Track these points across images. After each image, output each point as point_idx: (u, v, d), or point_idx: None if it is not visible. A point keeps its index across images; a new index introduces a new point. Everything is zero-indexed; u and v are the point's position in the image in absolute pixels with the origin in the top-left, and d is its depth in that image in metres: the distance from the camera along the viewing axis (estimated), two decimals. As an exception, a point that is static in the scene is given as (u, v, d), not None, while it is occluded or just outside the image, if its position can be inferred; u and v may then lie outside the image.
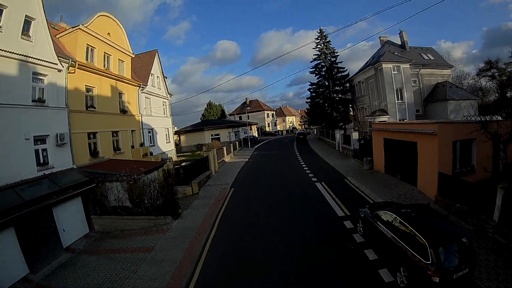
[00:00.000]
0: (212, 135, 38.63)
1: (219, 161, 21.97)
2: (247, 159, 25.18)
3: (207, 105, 66.45)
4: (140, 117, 20.82)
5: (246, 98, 72.89)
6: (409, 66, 26.54)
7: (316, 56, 35.40)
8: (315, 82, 36.66)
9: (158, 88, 24.94)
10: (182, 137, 39.52)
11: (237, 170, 20.55)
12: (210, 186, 16.59)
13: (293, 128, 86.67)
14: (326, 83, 35.68)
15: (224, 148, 25.03)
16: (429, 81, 27.86)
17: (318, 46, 35.05)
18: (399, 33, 30.67)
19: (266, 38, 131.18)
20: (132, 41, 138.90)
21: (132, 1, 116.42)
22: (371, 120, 25.16)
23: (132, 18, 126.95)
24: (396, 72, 26.12)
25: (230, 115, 66.51)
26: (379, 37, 31.72)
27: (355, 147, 19.99)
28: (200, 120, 56.95)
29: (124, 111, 18.85)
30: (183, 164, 17.70)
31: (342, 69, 35.10)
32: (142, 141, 20.77)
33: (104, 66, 16.68)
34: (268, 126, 71.35)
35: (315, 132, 64.57)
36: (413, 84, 26.99)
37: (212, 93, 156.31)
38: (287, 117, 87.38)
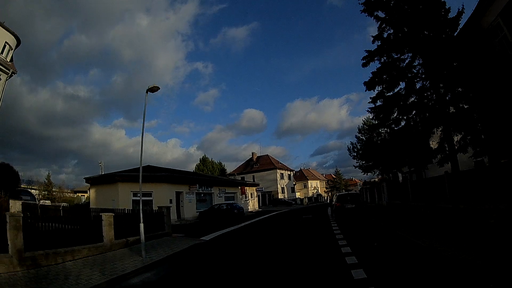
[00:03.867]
0: (135, 193, 18.68)
1: None
2: None
3: (200, 160, 50.06)
4: None
5: (252, 153, 55.72)
6: None
7: None
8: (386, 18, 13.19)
9: None
10: (92, 191, 21.06)
11: None
12: None
13: (317, 195, 65.44)
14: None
15: None
16: None
17: None
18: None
19: (292, 107, 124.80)
20: (162, 103, 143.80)
21: (165, 65, 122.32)
22: None
23: (164, 81, 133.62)
24: None
25: (230, 174, 48.71)
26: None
27: None
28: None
29: None
30: None
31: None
32: None
33: None
34: (282, 192, 51.48)
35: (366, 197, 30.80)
36: None
37: (237, 162, 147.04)
38: (309, 181, 67.27)
